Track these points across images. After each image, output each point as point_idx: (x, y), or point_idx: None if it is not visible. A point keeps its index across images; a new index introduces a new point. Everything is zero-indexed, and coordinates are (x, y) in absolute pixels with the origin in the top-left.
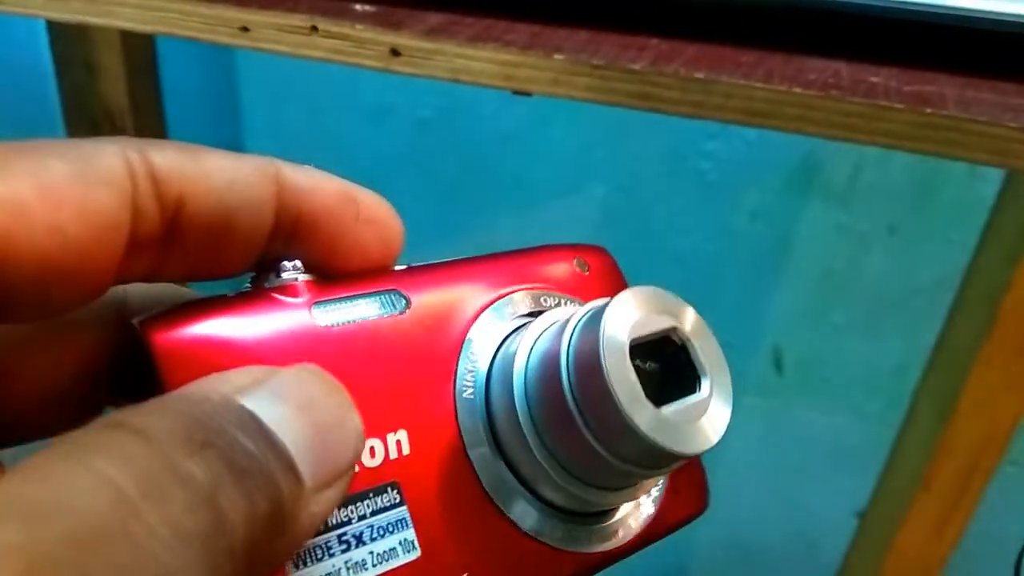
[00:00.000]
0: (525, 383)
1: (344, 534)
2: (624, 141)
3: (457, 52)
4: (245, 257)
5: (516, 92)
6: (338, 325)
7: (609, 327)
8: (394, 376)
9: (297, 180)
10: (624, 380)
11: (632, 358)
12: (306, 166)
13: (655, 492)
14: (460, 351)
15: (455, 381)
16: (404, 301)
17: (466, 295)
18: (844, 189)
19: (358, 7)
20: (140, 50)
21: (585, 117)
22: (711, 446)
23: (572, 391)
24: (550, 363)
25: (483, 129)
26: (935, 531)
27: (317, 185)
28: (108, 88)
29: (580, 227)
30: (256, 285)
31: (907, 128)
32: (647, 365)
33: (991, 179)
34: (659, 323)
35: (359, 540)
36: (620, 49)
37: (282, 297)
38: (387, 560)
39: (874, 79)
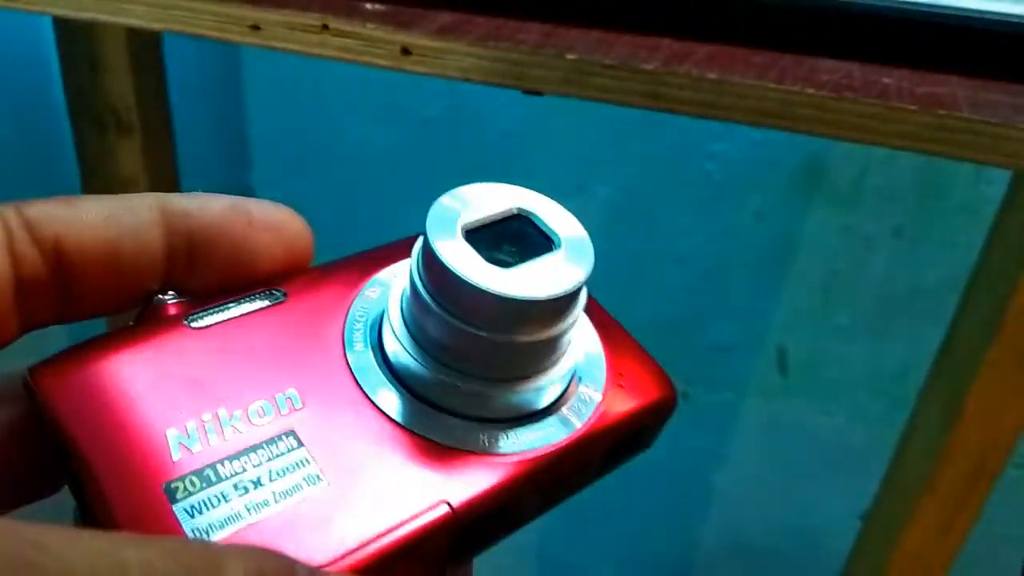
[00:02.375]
0: (402, 310)
1: (240, 483)
2: (629, 141)
3: (468, 51)
4: (145, 283)
5: (527, 92)
6: (214, 325)
7: (434, 219)
8: (278, 348)
9: (181, 202)
10: (457, 254)
11: (480, 247)
12: (194, 192)
13: (584, 389)
14: (347, 316)
15: (344, 340)
16: (281, 293)
17: (344, 278)
18: (849, 191)
19: (368, 6)
20: (146, 47)
21: (590, 117)
22: (562, 291)
23: (427, 288)
24: (410, 281)
25: (488, 128)
26: (940, 534)
27: (203, 203)
28: (114, 85)
29: (585, 226)
30: (137, 317)
31: (921, 130)
32: (502, 251)
33: (997, 182)
34: (494, 207)
35: (257, 483)
36: (632, 49)
37: (160, 319)
38: (291, 494)
39: (887, 80)
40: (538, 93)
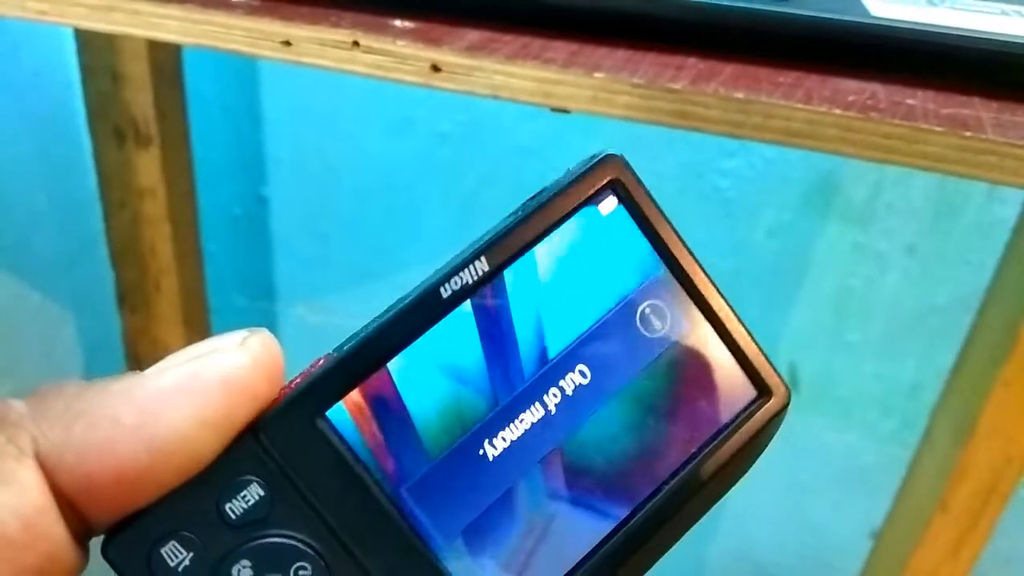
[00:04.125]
0: None
1: None
2: (642, 157)
3: (497, 69)
4: None
5: (554, 109)
6: None
7: None
8: None
9: None
10: None
11: None
12: None
13: None
14: None
15: None
16: None
17: None
18: (862, 208)
19: (398, 23)
20: (167, 59)
21: (603, 132)
22: None
23: None
24: None
25: (502, 143)
26: (951, 553)
27: None
28: (134, 96)
29: None
30: None
31: (946, 151)
32: None
33: (1010, 202)
34: None
35: None
36: (659, 68)
37: None
38: None
39: (911, 101)
40: (565, 111)
